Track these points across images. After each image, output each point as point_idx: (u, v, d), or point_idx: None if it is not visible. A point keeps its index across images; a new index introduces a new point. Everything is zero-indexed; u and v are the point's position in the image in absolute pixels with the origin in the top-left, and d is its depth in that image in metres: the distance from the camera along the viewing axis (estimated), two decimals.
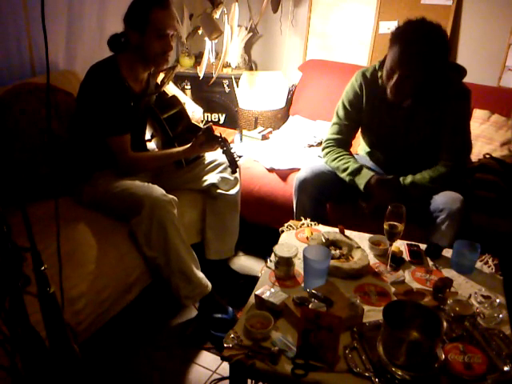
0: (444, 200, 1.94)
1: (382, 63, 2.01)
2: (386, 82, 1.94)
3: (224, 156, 2.05)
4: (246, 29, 3.31)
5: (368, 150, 2.28)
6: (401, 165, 2.13)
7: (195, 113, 2.38)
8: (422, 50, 1.80)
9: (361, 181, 2.03)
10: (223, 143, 2.04)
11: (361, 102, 2.11)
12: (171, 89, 2.38)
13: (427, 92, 1.95)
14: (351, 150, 2.22)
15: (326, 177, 2.13)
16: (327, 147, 2.19)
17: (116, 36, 2.01)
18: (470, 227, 2.02)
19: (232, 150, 2.05)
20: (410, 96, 1.96)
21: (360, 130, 2.23)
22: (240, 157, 2.62)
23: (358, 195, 2.07)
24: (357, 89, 2.10)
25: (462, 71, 2.01)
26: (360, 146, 2.38)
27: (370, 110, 2.10)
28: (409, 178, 2.01)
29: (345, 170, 2.08)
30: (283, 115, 3.12)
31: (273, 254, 1.62)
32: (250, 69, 3.45)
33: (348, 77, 2.23)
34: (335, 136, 2.18)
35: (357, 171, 2.05)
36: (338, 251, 1.71)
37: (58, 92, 2.18)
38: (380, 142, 2.19)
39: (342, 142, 2.17)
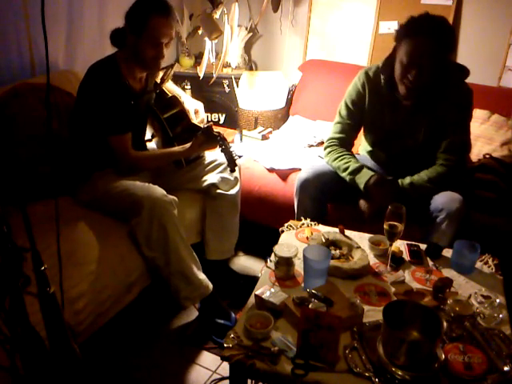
0: (444, 200, 1.94)
1: (385, 63, 2.00)
2: (400, 80, 1.92)
3: (223, 155, 2.05)
4: (246, 29, 3.31)
5: (369, 149, 2.27)
6: (402, 164, 2.13)
7: (199, 112, 2.36)
8: (436, 39, 1.81)
9: (361, 180, 2.03)
10: (222, 142, 2.04)
11: (363, 102, 2.10)
12: (171, 87, 2.37)
13: (430, 91, 1.95)
14: (352, 149, 2.22)
15: (327, 177, 2.13)
16: (329, 146, 2.18)
17: (118, 30, 2.01)
18: (470, 227, 2.01)
19: (231, 149, 2.05)
20: (422, 90, 1.94)
21: (362, 129, 2.23)
22: (240, 156, 2.62)
23: (358, 196, 2.07)
24: (360, 88, 2.10)
25: (465, 71, 2.01)
26: (361, 146, 2.37)
27: (373, 110, 2.10)
28: (407, 180, 2.01)
29: (345, 169, 2.08)
30: (283, 115, 3.12)
31: (273, 254, 1.62)
32: (250, 69, 3.44)
33: (348, 77, 2.22)
34: (338, 135, 2.18)
35: (357, 170, 2.05)
36: (337, 251, 1.71)
37: (57, 92, 2.18)
38: (382, 142, 2.18)
39: (345, 142, 2.17)
